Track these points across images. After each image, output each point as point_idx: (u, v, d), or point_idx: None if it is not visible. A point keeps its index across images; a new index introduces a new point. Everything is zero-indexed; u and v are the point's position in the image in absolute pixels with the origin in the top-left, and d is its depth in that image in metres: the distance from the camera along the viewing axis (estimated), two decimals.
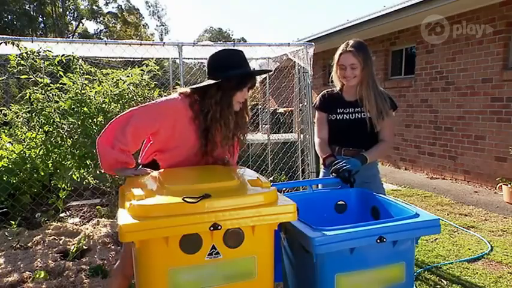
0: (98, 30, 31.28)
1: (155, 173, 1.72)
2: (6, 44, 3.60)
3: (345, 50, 2.28)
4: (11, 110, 4.00)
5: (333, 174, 2.17)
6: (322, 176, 2.50)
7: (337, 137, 2.41)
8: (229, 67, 1.84)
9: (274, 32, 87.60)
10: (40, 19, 27.20)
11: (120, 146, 1.77)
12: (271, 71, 2.00)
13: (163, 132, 1.84)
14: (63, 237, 3.50)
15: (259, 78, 6.71)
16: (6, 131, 4.02)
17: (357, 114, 2.33)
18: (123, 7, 30.69)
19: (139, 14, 32.76)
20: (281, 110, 9.44)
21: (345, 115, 2.35)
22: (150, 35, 34.06)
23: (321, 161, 2.41)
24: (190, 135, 1.87)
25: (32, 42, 3.81)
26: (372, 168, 2.37)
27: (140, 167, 1.89)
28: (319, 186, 2.45)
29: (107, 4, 30.20)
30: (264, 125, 7.77)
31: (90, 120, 3.63)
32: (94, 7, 29.04)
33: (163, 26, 38.09)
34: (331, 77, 2.44)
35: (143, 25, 33.68)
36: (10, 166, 3.73)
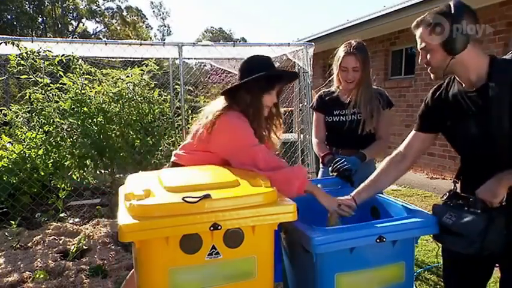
0: (97, 30, 31.34)
1: (155, 173, 1.72)
2: (6, 44, 3.60)
3: (348, 52, 2.27)
4: (11, 110, 4.00)
5: (334, 173, 2.17)
6: (321, 175, 2.51)
7: (334, 138, 2.43)
8: (256, 70, 1.86)
9: (275, 32, 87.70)
10: (40, 19, 27.23)
11: (278, 164, 1.73)
12: (297, 74, 2.04)
13: None
14: (63, 237, 3.50)
15: None
16: (6, 131, 4.03)
17: (352, 116, 2.34)
18: (121, 6, 30.78)
19: (143, 15, 32.85)
20: (281, 110, 9.43)
21: (341, 117, 2.37)
22: (148, 33, 34.09)
23: (320, 159, 2.43)
24: None
25: (32, 42, 3.82)
26: (369, 167, 2.37)
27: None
28: (319, 186, 2.46)
29: (104, 2, 30.27)
30: None
31: (90, 120, 3.64)
32: (93, 6, 29.10)
33: (166, 27, 38.21)
34: (332, 78, 2.45)
35: (146, 26, 33.77)
36: (10, 166, 3.73)
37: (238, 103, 1.88)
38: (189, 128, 3.58)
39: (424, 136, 1.75)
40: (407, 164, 1.82)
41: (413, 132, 1.78)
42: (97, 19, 30.27)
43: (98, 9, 29.85)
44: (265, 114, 1.95)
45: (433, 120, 1.69)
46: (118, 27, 30.83)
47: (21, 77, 3.74)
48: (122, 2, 30.94)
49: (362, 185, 1.83)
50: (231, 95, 1.92)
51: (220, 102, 1.93)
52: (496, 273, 3.07)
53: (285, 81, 2.06)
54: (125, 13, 31.03)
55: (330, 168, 2.23)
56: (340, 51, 2.31)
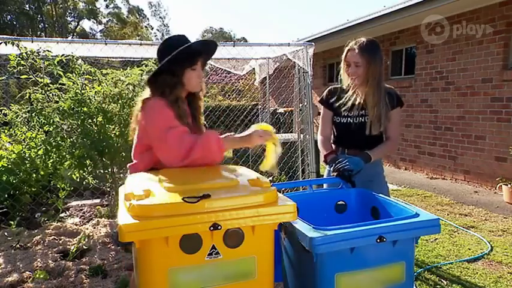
0: (98, 30, 31.36)
1: (155, 173, 1.72)
2: (6, 44, 3.60)
3: (352, 48, 2.27)
4: (11, 110, 4.00)
5: (334, 173, 2.17)
6: (326, 174, 2.49)
7: (342, 139, 2.40)
8: (173, 50, 1.82)
9: (275, 32, 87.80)
10: (40, 19, 27.24)
11: (193, 141, 1.70)
12: (213, 42, 1.94)
13: None
14: (63, 237, 3.50)
15: (258, 77, 6.70)
16: (6, 131, 4.02)
17: (360, 118, 2.31)
18: (122, 7, 30.84)
19: (144, 15, 32.89)
20: (281, 110, 9.43)
21: (349, 118, 2.33)
22: (149, 35, 34.14)
23: (322, 158, 2.41)
24: None
25: (32, 42, 3.81)
26: (375, 167, 2.35)
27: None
28: (324, 185, 2.45)
29: (107, 7, 30.30)
30: None
31: (89, 120, 3.64)
32: (93, 8, 29.13)
33: (165, 26, 38.24)
34: (340, 75, 2.42)
35: (146, 26, 33.80)
36: (10, 166, 3.73)
37: (160, 87, 1.85)
38: None
39: None
40: None
41: None
42: (97, 19, 30.29)
43: (98, 9, 29.89)
44: (197, 89, 1.91)
45: None
46: (117, 28, 30.85)
47: (21, 77, 3.73)
48: (124, 4, 30.99)
49: None
50: (154, 82, 1.88)
51: (146, 93, 1.91)
52: (496, 273, 3.08)
53: (204, 53, 1.92)
54: (125, 13, 31.05)
55: (331, 168, 2.22)
56: (347, 46, 2.32)
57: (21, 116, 3.90)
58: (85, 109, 3.59)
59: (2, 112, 4.01)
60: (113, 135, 3.79)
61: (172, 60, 1.81)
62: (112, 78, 3.82)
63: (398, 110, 2.35)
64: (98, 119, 3.67)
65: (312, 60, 4.66)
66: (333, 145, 2.44)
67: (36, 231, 3.64)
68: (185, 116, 1.86)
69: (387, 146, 2.34)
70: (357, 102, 2.30)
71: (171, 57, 1.80)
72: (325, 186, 2.43)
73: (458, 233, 3.93)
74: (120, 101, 3.75)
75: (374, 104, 2.25)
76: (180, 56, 1.81)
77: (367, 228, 1.49)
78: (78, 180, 4.01)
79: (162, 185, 1.47)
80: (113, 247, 3.34)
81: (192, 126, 1.92)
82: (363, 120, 2.30)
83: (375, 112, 2.25)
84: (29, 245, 3.35)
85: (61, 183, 3.94)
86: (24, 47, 3.58)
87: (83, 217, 4.30)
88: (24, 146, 3.77)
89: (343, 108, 2.34)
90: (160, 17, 38.33)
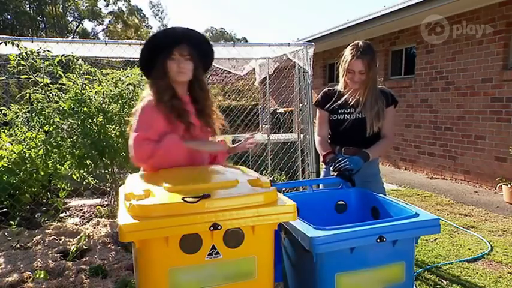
0: (99, 31, 31.35)
1: (155, 173, 1.72)
2: (6, 44, 3.60)
3: (355, 56, 2.24)
4: (11, 110, 4.00)
5: (334, 173, 2.17)
6: (323, 175, 2.50)
7: (339, 137, 2.41)
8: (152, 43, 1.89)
9: (275, 32, 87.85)
10: (40, 19, 27.24)
11: (152, 148, 1.75)
12: (182, 28, 1.95)
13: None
14: (63, 237, 3.50)
15: (258, 77, 6.70)
16: (6, 131, 4.02)
17: (357, 114, 2.33)
18: (124, 9, 30.82)
19: (143, 15, 32.88)
20: (281, 110, 9.43)
21: (346, 115, 2.36)
22: (149, 35, 34.21)
23: (321, 159, 2.42)
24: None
25: (32, 42, 3.81)
26: (372, 167, 2.37)
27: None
28: (321, 186, 2.45)
29: (107, 5, 30.28)
30: (264, 125, 7.77)
31: (90, 120, 3.64)
32: (94, 8, 29.12)
33: (165, 26, 38.24)
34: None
35: (146, 26, 33.80)
36: (10, 166, 3.73)
37: (150, 86, 1.90)
38: None
39: None
40: None
41: None
42: (98, 20, 30.29)
43: (99, 10, 29.87)
44: (181, 78, 1.89)
45: None
46: (119, 29, 30.84)
47: (21, 77, 3.73)
48: (124, 6, 30.97)
49: None
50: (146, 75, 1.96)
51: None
52: (496, 273, 3.08)
53: (178, 41, 1.89)
54: (126, 13, 31.02)
55: (331, 168, 2.22)
56: (347, 54, 2.29)
57: (21, 116, 3.90)
58: (85, 109, 3.59)
59: (2, 112, 4.01)
60: (113, 135, 3.78)
61: (143, 55, 1.89)
62: (112, 78, 3.82)
63: (392, 108, 2.39)
64: (98, 119, 3.67)
65: (312, 60, 4.66)
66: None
67: (36, 231, 3.63)
68: (183, 115, 1.86)
69: (384, 144, 2.36)
70: (353, 101, 2.33)
71: (141, 51, 1.89)
72: (321, 186, 2.44)
73: (458, 233, 3.93)
74: (120, 101, 3.75)
75: (373, 102, 2.28)
76: (148, 49, 1.88)
77: (367, 228, 1.49)
78: (78, 180, 4.01)
79: (162, 185, 1.47)
80: (113, 247, 3.34)
81: (199, 126, 1.93)
82: (360, 116, 2.32)
83: (374, 111, 2.28)
84: (29, 245, 3.35)
85: (61, 183, 3.94)
86: (24, 47, 3.58)
87: (83, 217, 4.30)
88: (24, 146, 3.76)
89: (340, 107, 2.37)
90: (159, 18, 38.41)
